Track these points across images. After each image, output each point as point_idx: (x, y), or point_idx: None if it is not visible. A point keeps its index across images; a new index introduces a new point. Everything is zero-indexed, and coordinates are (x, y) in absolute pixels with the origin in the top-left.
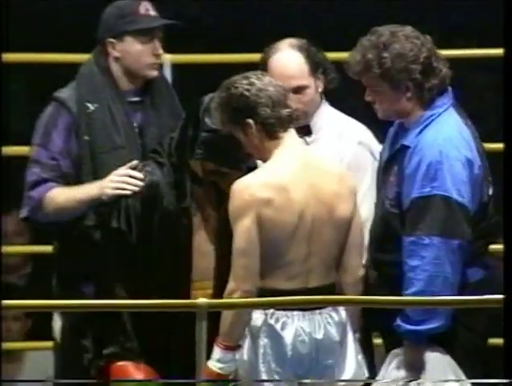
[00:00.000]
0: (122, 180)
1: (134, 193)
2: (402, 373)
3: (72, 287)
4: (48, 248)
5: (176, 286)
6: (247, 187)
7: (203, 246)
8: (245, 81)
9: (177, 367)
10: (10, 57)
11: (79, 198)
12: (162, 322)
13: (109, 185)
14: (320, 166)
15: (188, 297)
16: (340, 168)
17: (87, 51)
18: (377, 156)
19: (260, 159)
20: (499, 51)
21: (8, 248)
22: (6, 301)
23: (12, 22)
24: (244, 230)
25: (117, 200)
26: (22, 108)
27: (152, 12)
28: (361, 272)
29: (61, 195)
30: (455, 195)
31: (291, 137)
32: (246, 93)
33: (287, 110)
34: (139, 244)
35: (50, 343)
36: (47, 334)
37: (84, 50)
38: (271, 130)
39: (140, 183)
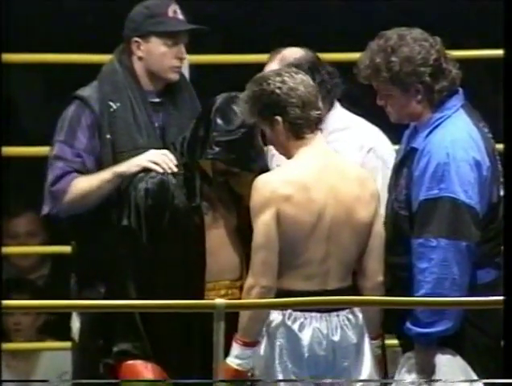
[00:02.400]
0: (160, 158)
1: (146, 191)
2: (414, 376)
3: (90, 287)
4: (64, 249)
5: (190, 286)
6: (268, 183)
7: (215, 246)
8: (277, 78)
9: (190, 367)
10: (11, 57)
11: (102, 178)
12: (174, 322)
13: (146, 158)
14: (342, 169)
15: (202, 298)
16: (362, 172)
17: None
18: (389, 161)
19: (283, 155)
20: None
21: (21, 249)
22: (6, 301)
23: (20, 22)
24: (263, 225)
25: (127, 196)
26: (38, 109)
27: (180, 16)
28: (381, 277)
29: (85, 181)
30: (462, 197)
31: (316, 137)
32: (278, 91)
33: (317, 112)
34: (150, 243)
35: (64, 343)
36: (61, 332)
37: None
38: (299, 130)
39: (174, 168)
